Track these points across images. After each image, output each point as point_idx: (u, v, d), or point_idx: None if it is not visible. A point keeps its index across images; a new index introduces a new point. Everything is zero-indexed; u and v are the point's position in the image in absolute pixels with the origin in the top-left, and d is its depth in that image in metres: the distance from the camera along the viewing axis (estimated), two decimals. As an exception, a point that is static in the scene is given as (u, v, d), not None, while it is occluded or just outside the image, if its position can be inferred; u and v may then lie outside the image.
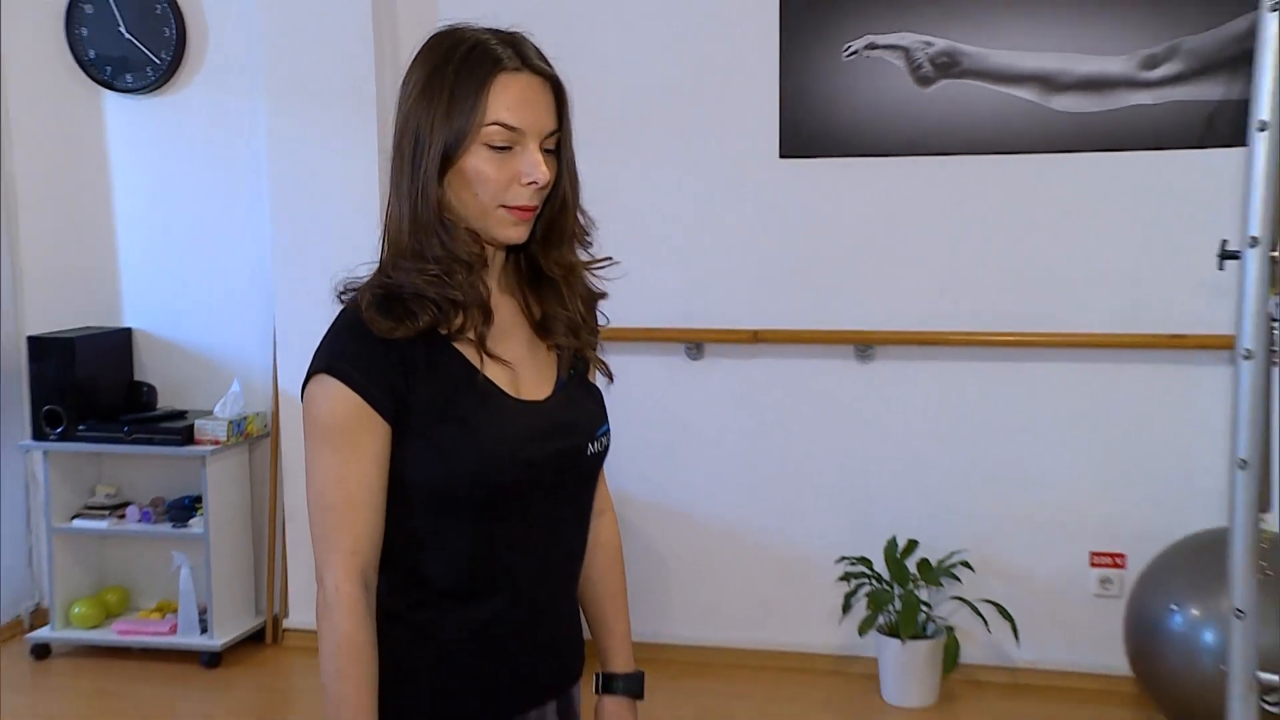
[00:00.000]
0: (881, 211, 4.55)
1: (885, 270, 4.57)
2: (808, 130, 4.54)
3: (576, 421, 1.89)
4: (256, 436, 5.01)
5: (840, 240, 4.59)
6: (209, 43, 4.97)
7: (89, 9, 5.00)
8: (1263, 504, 2.99)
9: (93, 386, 4.93)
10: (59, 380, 4.86)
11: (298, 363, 2.08)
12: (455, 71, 1.73)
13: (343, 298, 1.82)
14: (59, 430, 4.86)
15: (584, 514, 1.98)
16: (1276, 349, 2.98)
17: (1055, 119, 4.37)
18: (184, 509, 4.92)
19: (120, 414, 4.95)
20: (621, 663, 2.08)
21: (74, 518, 4.99)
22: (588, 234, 1.91)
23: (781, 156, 4.58)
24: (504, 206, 1.76)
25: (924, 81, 4.44)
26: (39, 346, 4.89)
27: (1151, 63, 4.29)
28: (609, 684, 2.07)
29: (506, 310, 1.87)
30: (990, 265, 4.49)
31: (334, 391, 1.74)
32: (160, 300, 5.13)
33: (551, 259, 1.87)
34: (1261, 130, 2.88)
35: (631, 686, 2.08)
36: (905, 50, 4.44)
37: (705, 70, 4.61)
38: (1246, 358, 2.94)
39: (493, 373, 1.81)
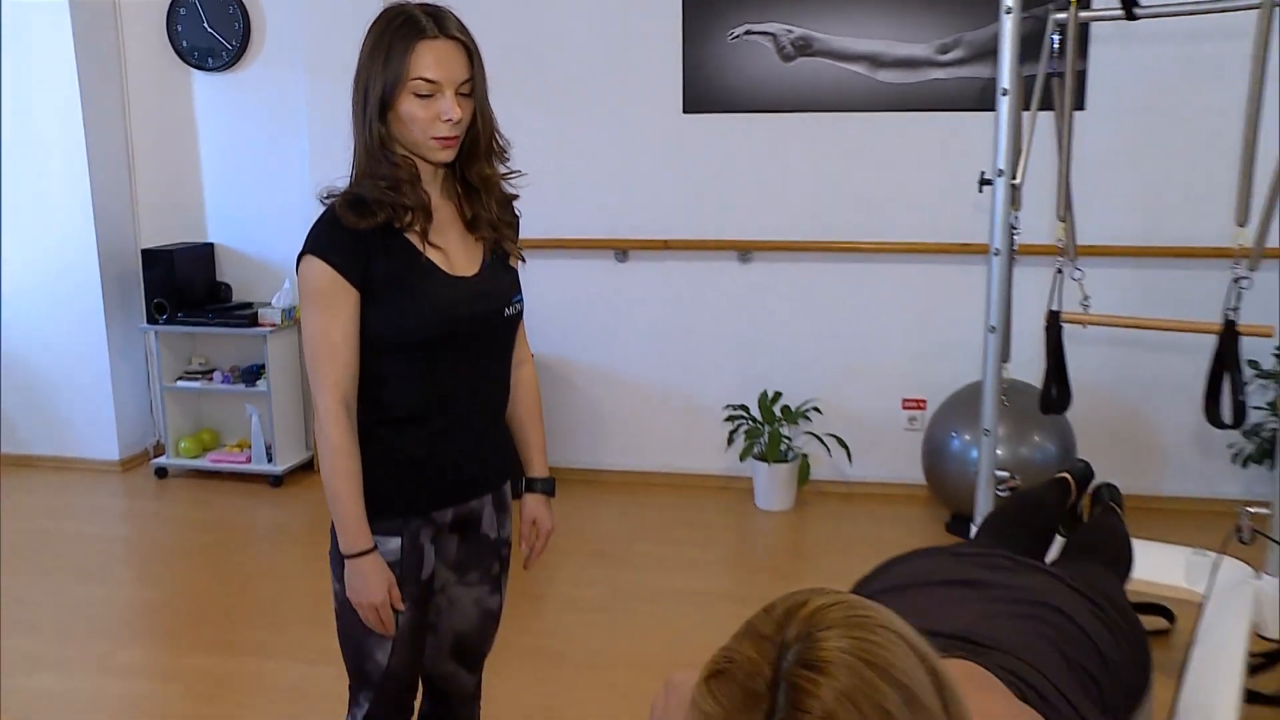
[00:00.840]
0: (757, 153, 4.56)
1: (760, 196, 4.58)
2: (703, 93, 4.54)
3: (495, 291, 1.89)
4: (303, 320, 5.03)
5: (728, 174, 4.59)
6: (266, 34, 4.90)
7: (182, 11, 4.92)
8: (1005, 355, 3.11)
9: (187, 285, 4.94)
10: (164, 280, 4.86)
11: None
12: (390, 38, 1.72)
13: (324, 201, 1.82)
14: (165, 317, 4.88)
15: (505, 359, 1.98)
16: (1015, 249, 3.07)
17: (880, 88, 4.39)
18: (253, 373, 4.96)
19: (206, 305, 4.97)
20: (538, 469, 2.10)
21: (177, 380, 5.02)
22: (505, 152, 1.88)
23: (684, 112, 4.57)
24: (432, 138, 1.75)
25: (787, 59, 4.45)
26: (149, 257, 4.89)
27: (944, 49, 4.31)
28: (529, 485, 2.09)
29: (446, 212, 1.86)
30: (835, 193, 4.52)
31: (317, 268, 1.76)
32: (234, 222, 5.11)
33: (473, 171, 1.85)
34: (1004, 95, 2.94)
35: (546, 487, 2.10)
36: (773, 35, 4.44)
37: (629, 49, 4.58)
38: (995, 254, 3.02)
39: (433, 256, 1.82)
